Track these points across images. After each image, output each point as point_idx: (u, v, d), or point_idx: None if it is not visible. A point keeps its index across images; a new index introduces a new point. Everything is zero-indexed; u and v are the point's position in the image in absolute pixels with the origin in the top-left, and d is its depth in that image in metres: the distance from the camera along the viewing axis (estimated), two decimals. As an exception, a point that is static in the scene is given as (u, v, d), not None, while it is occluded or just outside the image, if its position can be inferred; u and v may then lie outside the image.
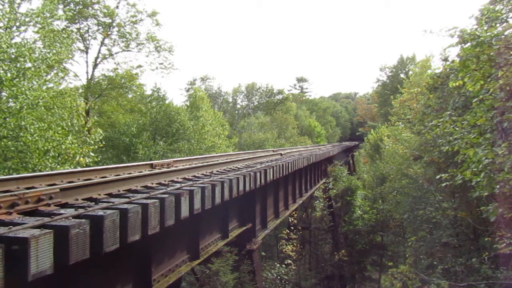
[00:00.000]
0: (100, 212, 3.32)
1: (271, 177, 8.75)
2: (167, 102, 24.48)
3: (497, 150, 5.41)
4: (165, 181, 5.65)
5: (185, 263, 6.28)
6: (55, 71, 12.99)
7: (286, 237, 21.19)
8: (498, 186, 5.42)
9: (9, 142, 9.71)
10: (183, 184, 5.30)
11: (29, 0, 24.74)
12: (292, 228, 21.89)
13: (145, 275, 5.03)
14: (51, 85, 11.85)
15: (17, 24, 11.19)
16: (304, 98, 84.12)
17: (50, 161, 10.15)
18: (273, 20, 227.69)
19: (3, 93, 10.23)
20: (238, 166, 8.62)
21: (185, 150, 21.32)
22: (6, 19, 10.63)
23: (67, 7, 19.91)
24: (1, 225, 2.84)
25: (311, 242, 25.13)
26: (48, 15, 11.80)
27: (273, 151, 16.39)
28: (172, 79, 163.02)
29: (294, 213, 20.87)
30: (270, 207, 11.47)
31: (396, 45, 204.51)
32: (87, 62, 22.94)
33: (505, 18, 7.77)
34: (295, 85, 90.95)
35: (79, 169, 7.74)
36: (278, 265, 18.29)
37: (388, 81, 56.46)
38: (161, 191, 4.62)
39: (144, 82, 43.58)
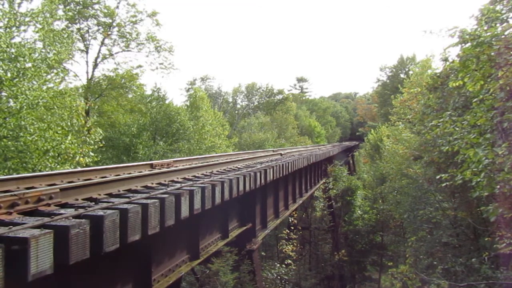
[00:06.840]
0: (100, 212, 3.32)
1: (271, 177, 8.75)
2: (167, 102, 24.49)
3: (497, 150, 5.41)
4: (165, 181, 5.64)
5: (185, 263, 6.28)
6: (55, 71, 12.97)
7: (286, 237, 21.17)
8: (498, 186, 5.43)
9: (9, 142, 9.70)
10: (183, 184, 5.30)
11: None
12: (292, 228, 21.87)
13: (145, 275, 5.03)
14: (51, 85, 11.84)
15: (17, 24, 11.16)
16: (304, 98, 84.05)
17: (50, 161, 10.14)
18: (273, 20, 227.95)
19: (3, 93, 10.22)
20: (238, 166, 8.61)
21: (185, 150, 21.32)
22: (6, 19, 10.62)
23: (67, 7, 19.91)
24: (1, 225, 2.84)
25: (311, 242, 25.14)
26: (48, 15, 11.79)
27: (273, 151, 16.38)
28: (172, 79, 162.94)
29: (294, 213, 20.86)
30: (270, 207, 11.47)
31: (396, 45, 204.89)
32: (87, 62, 22.95)
33: (505, 18, 7.75)
34: (295, 85, 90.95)
35: (79, 169, 7.74)
36: (278, 265, 18.30)
37: (388, 81, 56.39)
38: (161, 191, 4.61)
39: (144, 82, 43.38)
